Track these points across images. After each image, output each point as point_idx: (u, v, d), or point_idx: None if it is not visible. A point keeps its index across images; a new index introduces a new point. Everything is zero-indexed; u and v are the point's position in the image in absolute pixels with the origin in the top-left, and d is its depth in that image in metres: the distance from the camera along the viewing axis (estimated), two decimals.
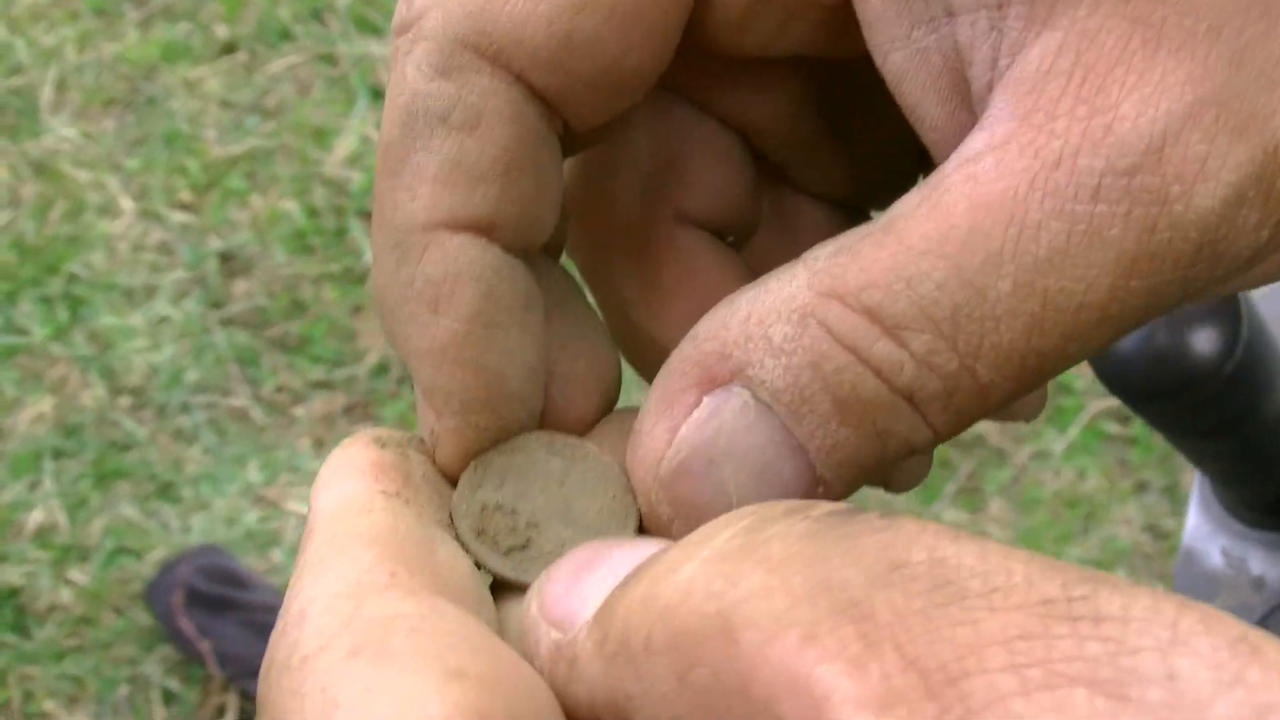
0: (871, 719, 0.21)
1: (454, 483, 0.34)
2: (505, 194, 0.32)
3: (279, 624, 0.28)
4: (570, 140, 0.34)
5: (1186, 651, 0.21)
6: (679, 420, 0.30)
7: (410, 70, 0.32)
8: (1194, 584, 0.92)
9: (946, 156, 0.29)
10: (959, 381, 0.29)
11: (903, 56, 0.30)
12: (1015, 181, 0.27)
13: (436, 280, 0.32)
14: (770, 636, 0.23)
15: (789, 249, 0.36)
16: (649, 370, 0.35)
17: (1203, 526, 0.92)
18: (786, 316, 0.29)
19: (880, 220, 0.29)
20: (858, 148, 0.37)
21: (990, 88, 0.29)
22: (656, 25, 0.32)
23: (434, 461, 0.34)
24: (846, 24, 0.32)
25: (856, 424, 0.29)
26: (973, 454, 1.96)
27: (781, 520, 0.25)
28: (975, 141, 0.28)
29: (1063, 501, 1.94)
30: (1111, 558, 1.91)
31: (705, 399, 0.30)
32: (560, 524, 0.33)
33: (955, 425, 0.29)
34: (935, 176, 0.29)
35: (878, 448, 0.30)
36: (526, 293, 0.33)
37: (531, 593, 0.30)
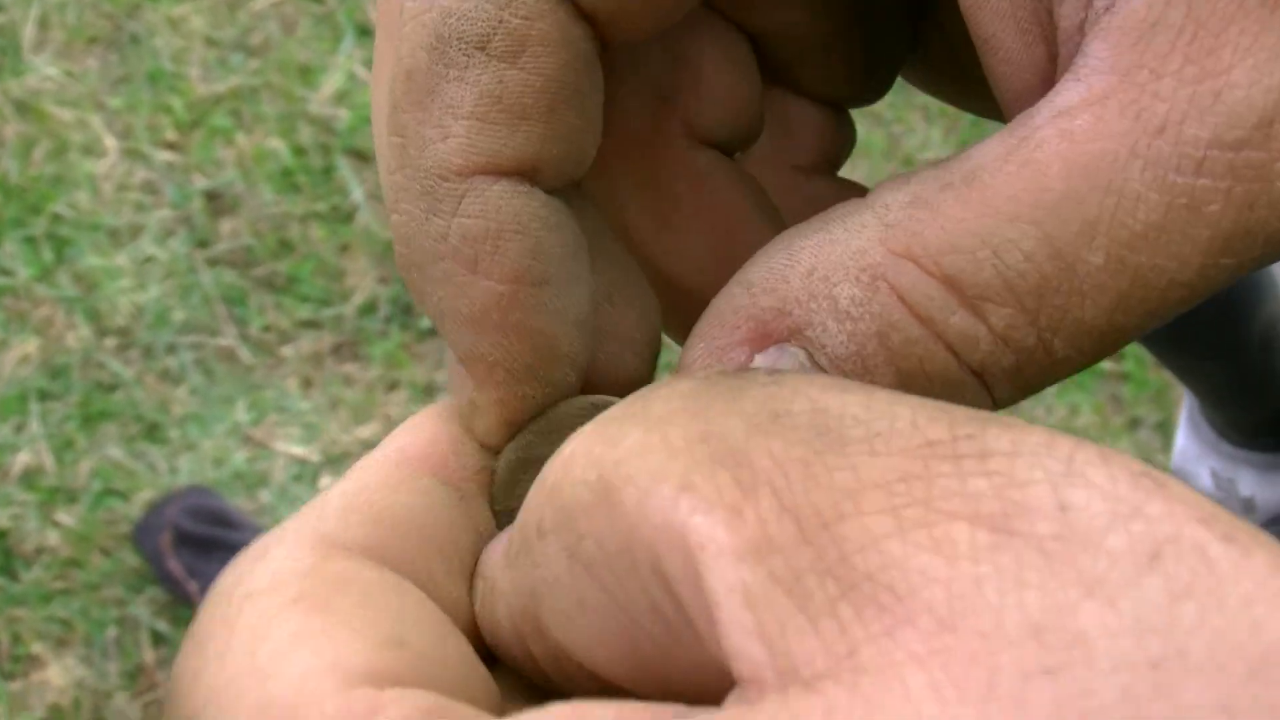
0: (744, 566, 0.21)
1: (496, 452, 0.31)
2: (551, 132, 0.28)
3: (240, 554, 0.27)
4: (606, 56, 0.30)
5: (1081, 483, 0.20)
6: None
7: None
8: None
9: (1016, 89, 0.28)
10: (1032, 356, 0.27)
11: None
12: (1115, 145, 0.25)
13: (476, 236, 0.28)
14: (646, 492, 0.22)
15: (788, 154, 0.34)
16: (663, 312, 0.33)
17: (1191, 448, 0.92)
18: (855, 276, 0.27)
19: (960, 167, 0.27)
20: (860, 50, 0.35)
21: (1083, 29, 0.26)
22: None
23: (472, 431, 0.31)
24: None
25: (917, 395, 0.27)
26: None
27: (666, 384, 0.24)
28: (1070, 93, 0.26)
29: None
30: None
31: (758, 357, 0.28)
32: None
33: (1017, 397, 0.28)
34: (1024, 127, 0.26)
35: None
36: (574, 239, 0.30)
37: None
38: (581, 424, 0.27)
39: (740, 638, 0.21)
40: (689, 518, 0.21)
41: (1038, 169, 0.26)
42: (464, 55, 0.28)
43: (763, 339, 0.28)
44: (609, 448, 0.23)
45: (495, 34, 0.27)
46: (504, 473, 0.30)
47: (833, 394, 0.23)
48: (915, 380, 0.27)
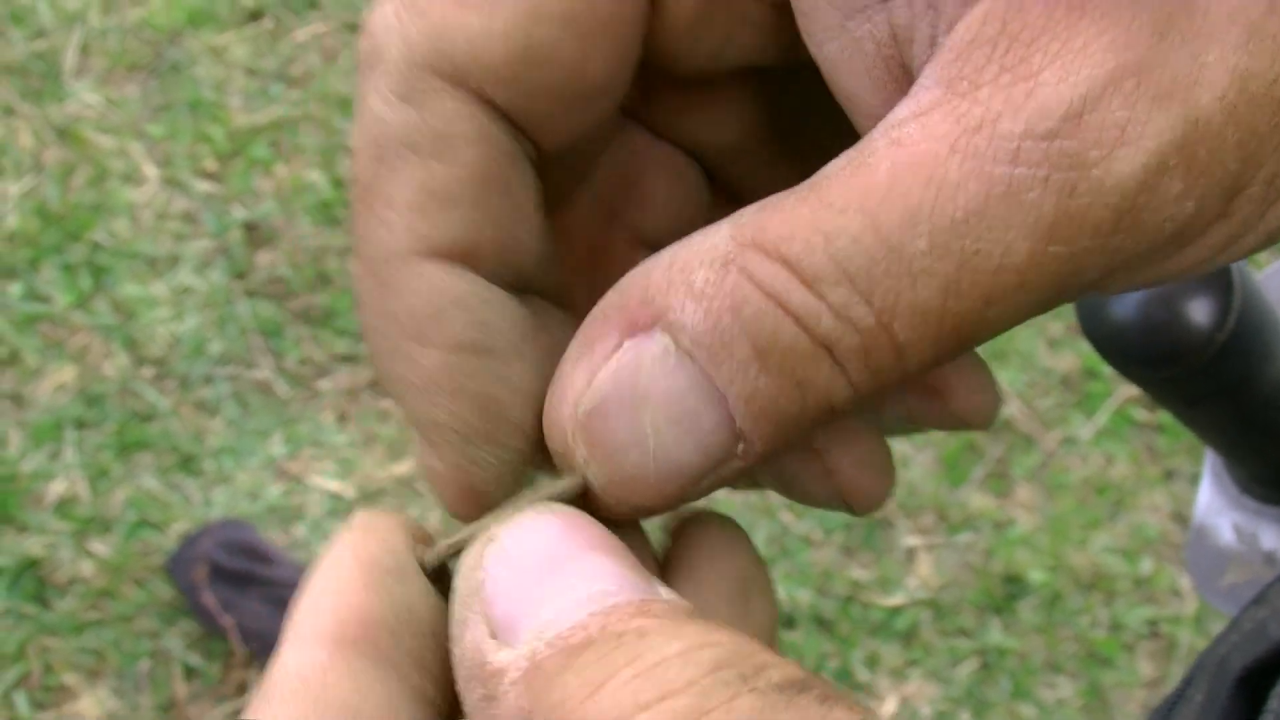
0: None
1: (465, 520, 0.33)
2: (481, 216, 0.32)
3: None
4: (544, 165, 0.33)
5: None
6: (598, 363, 0.30)
7: (375, 100, 0.31)
8: (1206, 560, 0.93)
9: None
10: (876, 339, 0.29)
11: (837, 46, 0.30)
12: (936, 145, 0.28)
13: (420, 312, 0.31)
14: None
15: None
16: None
17: (1214, 502, 0.93)
18: (709, 263, 0.29)
19: (806, 181, 0.29)
20: (810, 158, 0.37)
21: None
22: (613, 33, 0.31)
23: (440, 502, 0.33)
24: (794, 30, 0.32)
25: (775, 371, 0.29)
26: (1001, 438, 1.94)
27: (728, 691, 0.26)
28: (902, 109, 0.28)
29: (1091, 488, 1.93)
30: (1139, 545, 1.89)
31: (626, 343, 0.30)
32: None
33: (874, 383, 0.29)
34: (862, 142, 0.29)
35: (797, 399, 0.29)
36: (521, 322, 0.33)
37: (475, 564, 0.29)
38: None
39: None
40: None
41: (869, 170, 0.28)
42: (397, 157, 0.31)
43: (631, 326, 0.30)
44: None
45: (421, 134, 0.31)
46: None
47: None
48: (771, 355, 0.29)
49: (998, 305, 0.28)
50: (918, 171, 0.28)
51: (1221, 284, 0.70)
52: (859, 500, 0.36)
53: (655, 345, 0.29)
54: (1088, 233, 0.28)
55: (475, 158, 0.31)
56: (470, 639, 0.28)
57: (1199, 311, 0.71)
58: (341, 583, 0.31)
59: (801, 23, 0.31)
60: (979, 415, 0.37)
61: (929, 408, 0.36)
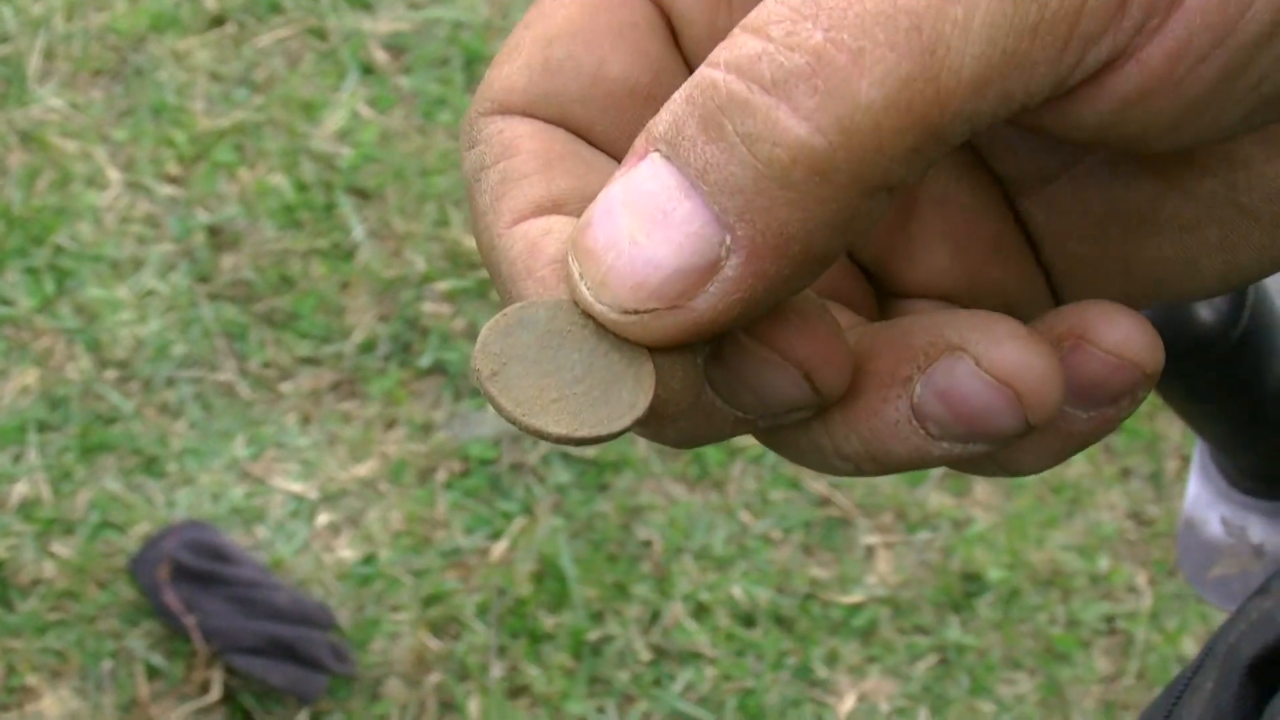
0: None
1: None
2: (561, 177, 0.33)
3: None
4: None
5: None
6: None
7: (463, 163, 0.35)
8: (1195, 552, 0.94)
9: None
10: (825, 56, 0.27)
11: None
12: None
13: (525, 253, 0.33)
14: None
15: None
16: None
17: (1203, 495, 0.94)
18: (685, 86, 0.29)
19: None
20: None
21: None
22: (626, 32, 0.34)
23: None
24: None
25: (716, 134, 0.28)
26: None
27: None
28: None
29: (1048, 487, 1.95)
30: (1095, 543, 1.91)
31: (620, 172, 0.30)
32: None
33: (834, 116, 0.27)
34: None
35: (747, 159, 0.28)
36: None
37: None
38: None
39: None
40: None
41: None
42: (477, 179, 0.35)
43: (634, 159, 0.30)
44: None
45: (488, 152, 0.35)
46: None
47: None
48: (710, 118, 0.28)
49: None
50: None
51: None
52: (827, 381, 0.31)
53: (644, 163, 0.29)
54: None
55: (537, 141, 0.33)
56: None
57: (1211, 308, 0.73)
58: None
59: None
60: (1033, 459, 0.33)
61: (1083, 361, 0.31)
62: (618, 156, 0.34)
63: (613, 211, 0.29)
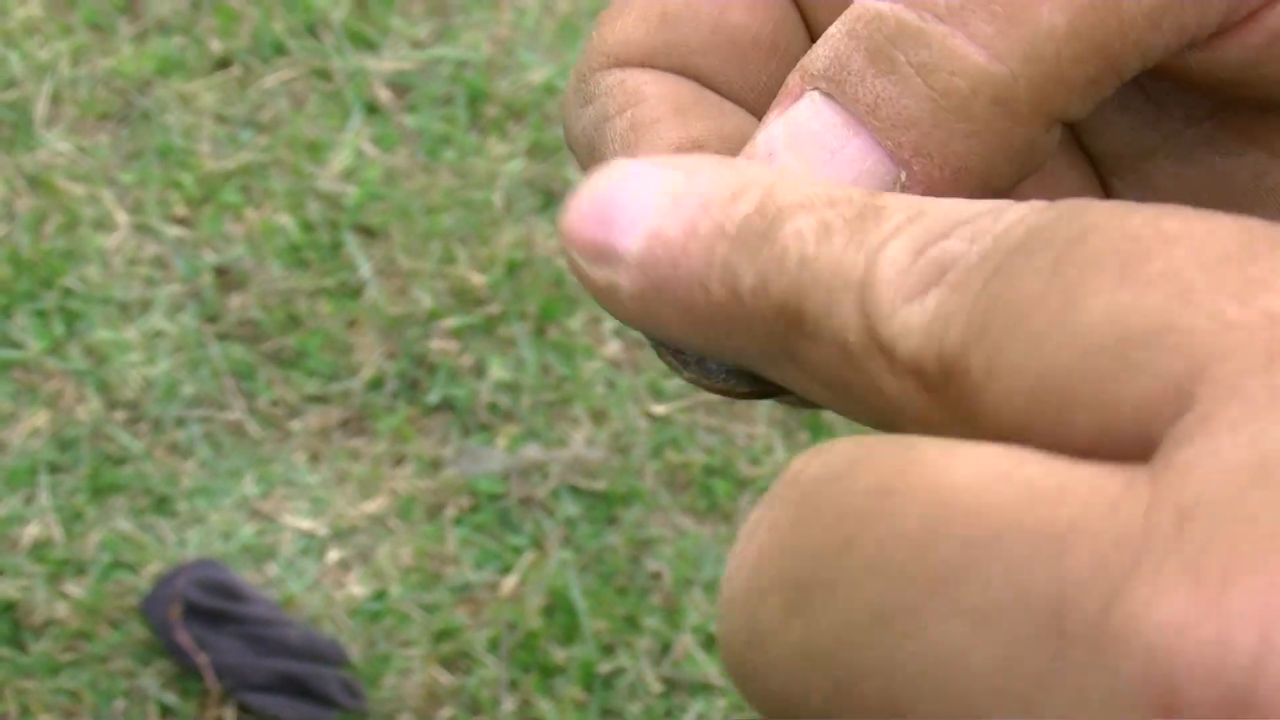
0: None
1: None
2: (696, 120, 0.32)
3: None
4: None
5: None
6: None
7: (569, 119, 0.33)
8: None
9: None
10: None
11: None
12: None
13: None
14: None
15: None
16: None
17: None
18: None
19: None
20: None
21: None
22: None
23: None
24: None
25: (886, 66, 0.27)
26: None
27: None
28: None
29: None
30: None
31: (773, 113, 0.29)
32: None
33: (1015, 42, 0.26)
34: None
35: (922, 91, 0.26)
36: None
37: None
38: None
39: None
40: None
41: None
42: (601, 131, 0.33)
43: (788, 100, 0.29)
44: None
45: (610, 103, 0.33)
46: None
47: None
48: (880, 50, 0.27)
49: None
50: None
51: None
52: None
53: (803, 101, 0.28)
54: None
55: (665, 91, 0.31)
56: None
57: None
58: None
59: None
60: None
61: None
62: (744, 107, 0.32)
63: (776, 154, 0.28)
